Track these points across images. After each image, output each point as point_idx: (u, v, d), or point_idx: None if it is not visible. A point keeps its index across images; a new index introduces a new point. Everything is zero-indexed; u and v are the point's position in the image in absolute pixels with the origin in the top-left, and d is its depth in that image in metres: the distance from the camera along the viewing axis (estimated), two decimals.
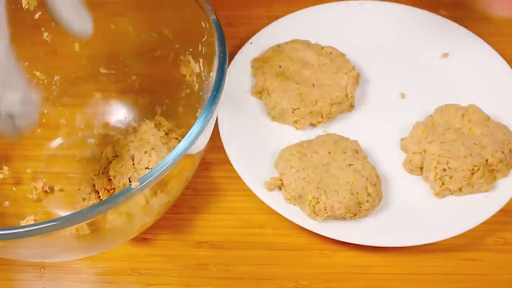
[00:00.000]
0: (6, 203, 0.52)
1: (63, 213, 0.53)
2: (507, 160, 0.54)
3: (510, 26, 0.68)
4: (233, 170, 0.54)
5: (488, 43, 0.63)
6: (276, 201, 0.53)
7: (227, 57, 0.45)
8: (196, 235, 0.53)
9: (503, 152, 0.54)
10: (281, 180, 0.54)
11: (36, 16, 0.48)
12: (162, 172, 0.39)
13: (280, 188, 0.54)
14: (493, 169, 0.54)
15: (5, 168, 0.54)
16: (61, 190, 0.54)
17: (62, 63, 0.57)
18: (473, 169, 0.53)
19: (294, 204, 0.53)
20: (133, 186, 0.38)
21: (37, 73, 0.56)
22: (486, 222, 0.51)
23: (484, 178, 0.53)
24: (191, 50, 0.52)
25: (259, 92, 0.61)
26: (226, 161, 0.55)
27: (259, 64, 0.62)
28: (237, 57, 0.62)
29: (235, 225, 0.54)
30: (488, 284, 0.50)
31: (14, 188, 0.54)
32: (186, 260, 0.52)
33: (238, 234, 0.53)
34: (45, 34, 0.53)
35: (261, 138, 0.58)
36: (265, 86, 0.60)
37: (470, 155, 0.53)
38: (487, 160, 0.53)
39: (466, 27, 0.65)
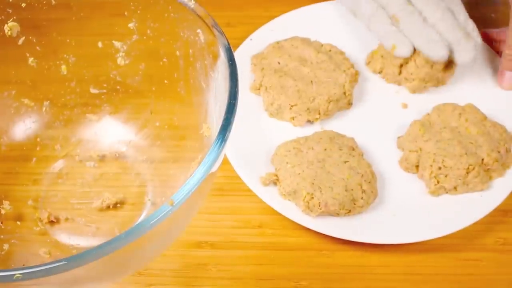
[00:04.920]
0: (14, 240, 0.49)
1: (74, 240, 0.51)
2: (503, 160, 0.54)
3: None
4: (233, 170, 0.54)
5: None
6: (273, 198, 0.53)
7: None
8: (196, 235, 0.53)
9: (499, 151, 0.54)
10: (276, 175, 0.54)
11: (20, 41, 0.47)
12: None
13: (275, 184, 0.54)
14: (488, 169, 0.54)
15: (6, 203, 0.51)
16: (66, 219, 0.52)
17: (50, 88, 0.54)
18: (468, 168, 0.53)
19: (289, 200, 0.53)
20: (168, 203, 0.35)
21: (25, 101, 0.53)
22: (486, 222, 0.52)
23: (479, 178, 0.53)
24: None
25: (257, 88, 0.60)
26: (226, 161, 0.54)
27: (258, 60, 0.61)
28: (237, 54, 0.62)
29: (235, 225, 0.54)
30: (488, 284, 0.50)
31: (18, 222, 0.51)
32: (186, 260, 0.52)
33: (238, 234, 0.53)
34: (30, 60, 0.51)
35: (258, 134, 0.58)
36: (263, 82, 0.60)
37: (466, 154, 0.53)
38: (482, 160, 0.54)
39: None
